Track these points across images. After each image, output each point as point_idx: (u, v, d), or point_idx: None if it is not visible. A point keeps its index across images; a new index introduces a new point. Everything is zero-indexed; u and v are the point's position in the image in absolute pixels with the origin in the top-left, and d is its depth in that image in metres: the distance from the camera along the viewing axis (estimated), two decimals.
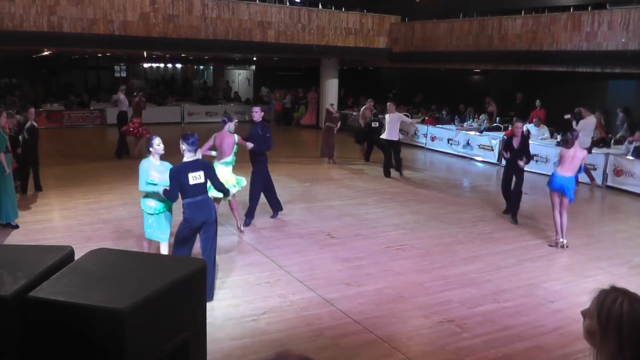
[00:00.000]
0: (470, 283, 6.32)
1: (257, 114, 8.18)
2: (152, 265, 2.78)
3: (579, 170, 7.59)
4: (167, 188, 5.58)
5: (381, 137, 12.27)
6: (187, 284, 2.61)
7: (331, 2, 18.22)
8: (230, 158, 7.57)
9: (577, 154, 7.49)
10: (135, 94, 14.71)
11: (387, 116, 12.08)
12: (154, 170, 5.85)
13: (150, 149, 5.93)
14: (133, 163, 13.01)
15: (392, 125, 11.94)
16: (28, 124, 9.38)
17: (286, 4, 17.39)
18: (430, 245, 7.61)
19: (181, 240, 5.56)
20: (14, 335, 2.24)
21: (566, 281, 6.50)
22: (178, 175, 5.51)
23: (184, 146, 5.61)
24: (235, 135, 7.65)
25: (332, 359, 4.69)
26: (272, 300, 5.70)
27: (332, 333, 5.08)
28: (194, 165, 5.59)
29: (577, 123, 11.54)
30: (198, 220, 5.52)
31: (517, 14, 14.94)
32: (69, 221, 8.30)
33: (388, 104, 12.69)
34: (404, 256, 7.17)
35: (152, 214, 5.96)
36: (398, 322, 5.36)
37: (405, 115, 13.40)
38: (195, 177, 5.55)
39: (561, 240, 7.60)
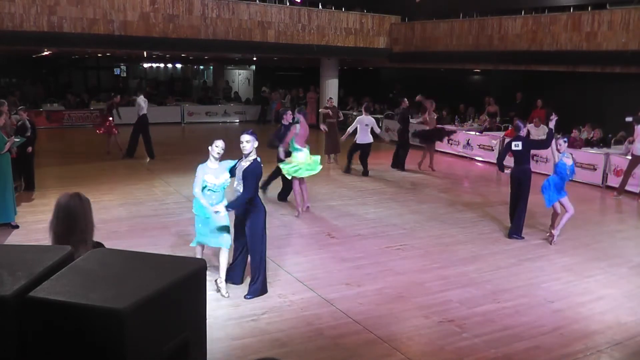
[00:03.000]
0: (470, 283, 6.32)
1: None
2: (152, 265, 2.77)
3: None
4: (231, 203, 5.58)
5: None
6: (187, 284, 2.61)
7: (331, 2, 18.20)
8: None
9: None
10: (112, 94, 15.13)
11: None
12: (211, 175, 5.61)
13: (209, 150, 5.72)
14: (133, 163, 13.14)
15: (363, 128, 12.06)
16: (19, 122, 9.44)
17: (286, 4, 17.38)
18: (430, 245, 7.61)
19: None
20: (14, 335, 2.24)
21: (566, 281, 6.50)
22: (261, 172, 5.67)
23: (255, 143, 5.56)
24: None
25: (332, 359, 4.69)
26: (272, 300, 5.70)
27: (332, 333, 5.08)
28: None
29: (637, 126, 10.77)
30: None
31: (517, 14, 14.94)
32: None
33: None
34: (404, 256, 7.17)
35: (205, 217, 5.76)
36: (398, 322, 5.36)
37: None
38: None
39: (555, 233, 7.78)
